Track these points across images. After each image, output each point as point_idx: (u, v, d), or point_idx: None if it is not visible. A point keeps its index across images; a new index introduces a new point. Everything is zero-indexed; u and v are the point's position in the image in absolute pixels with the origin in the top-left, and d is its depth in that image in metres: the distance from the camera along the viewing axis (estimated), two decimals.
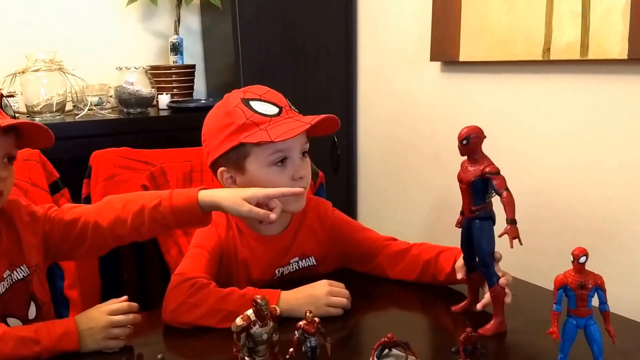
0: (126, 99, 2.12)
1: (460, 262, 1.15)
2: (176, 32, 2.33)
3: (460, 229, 1.09)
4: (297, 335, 0.89)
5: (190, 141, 1.61)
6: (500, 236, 0.99)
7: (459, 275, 1.14)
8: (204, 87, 2.51)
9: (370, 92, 2.34)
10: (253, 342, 0.83)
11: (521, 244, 0.97)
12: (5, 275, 1.09)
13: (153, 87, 2.19)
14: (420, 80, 2.07)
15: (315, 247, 1.33)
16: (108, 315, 1.03)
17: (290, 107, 1.25)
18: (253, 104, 1.22)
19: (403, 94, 2.15)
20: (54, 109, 2.02)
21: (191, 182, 1.62)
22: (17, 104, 2.09)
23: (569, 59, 1.53)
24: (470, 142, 1.03)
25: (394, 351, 0.97)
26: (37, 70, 1.97)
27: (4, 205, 1.10)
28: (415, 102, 2.10)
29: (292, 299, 1.12)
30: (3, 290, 1.08)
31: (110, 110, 2.20)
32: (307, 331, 0.88)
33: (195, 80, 2.41)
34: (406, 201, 2.19)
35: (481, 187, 1.03)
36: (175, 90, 2.31)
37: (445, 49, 1.89)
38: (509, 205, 0.99)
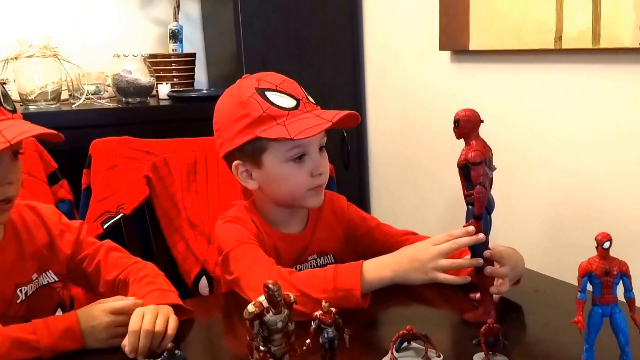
0: (124, 88, 2.07)
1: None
2: (175, 19, 2.28)
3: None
4: (313, 326, 0.85)
5: (192, 132, 1.59)
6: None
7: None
8: (204, 77, 2.47)
9: (379, 83, 2.29)
10: (268, 331, 0.79)
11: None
12: (33, 278, 1.07)
13: (152, 76, 2.14)
14: (429, 71, 2.03)
15: (333, 244, 1.30)
16: (111, 313, 0.97)
17: (307, 99, 1.20)
18: (269, 95, 1.17)
19: (413, 84, 2.11)
20: (49, 97, 1.97)
21: (195, 174, 1.59)
22: (10, 91, 2.04)
23: (580, 47, 1.50)
24: (460, 126, 1.03)
25: (413, 344, 0.95)
26: (30, 57, 1.92)
27: (42, 210, 1.10)
28: (426, 93, 2.05)
29: (392, 264, 1.07)
30: (31, 292, 1.06)
31: (108, 99, 2.16)
32: (324, 322, 0.85)
33: (195, 69, 2.37)
34: (419, 196, 2.15)
35: (469, 172, 1.02)
36: (175, 79, 2.26)
37: (454, 38, 1.85)
38: (477, 201, 1.01)
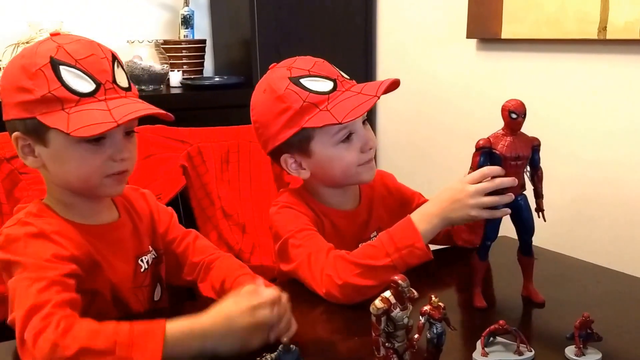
0: (138, 75, 2.00)
1: None
2: (186, 3, 2.20)
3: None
4: (422, 321, 0.82)
5: (207, 121, 1.57)
6: (541, 210, 1.04)
7: None
8: (211, 64, 2.39)
9: (393, 70, 2.24)
10: (393, 327, 0.77)
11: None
12: (150, 249, 1.10)
13: (165, 63, 2.07)
14: (451, 59, 2.00)
15: (389, 220, 1.25)
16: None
17: (342, 76, 1.16)
18: (304, 82, 1.12)
19: (431, 71, 2.07)
20: None
21: (228, 163, 1.56)
22: None
23: (627, 38, 1.49)
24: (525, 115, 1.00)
25: (500, 339, 0.92)
26: None
27: (143, 190, 1.15)
28: (446, 82, 2.03)
29: (435, 210, 1.05)
30: (151, 261, 1.09)
31: None
32: (433, 317, 0.82)
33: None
34: (431, 188, 2.12)
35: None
36: (185, 66, 2.19)
37: (485, 25, 1.82)
38: (540, 180, 1.04)
